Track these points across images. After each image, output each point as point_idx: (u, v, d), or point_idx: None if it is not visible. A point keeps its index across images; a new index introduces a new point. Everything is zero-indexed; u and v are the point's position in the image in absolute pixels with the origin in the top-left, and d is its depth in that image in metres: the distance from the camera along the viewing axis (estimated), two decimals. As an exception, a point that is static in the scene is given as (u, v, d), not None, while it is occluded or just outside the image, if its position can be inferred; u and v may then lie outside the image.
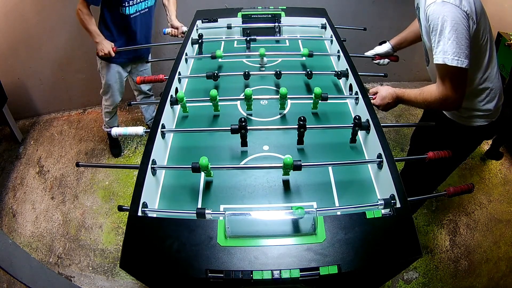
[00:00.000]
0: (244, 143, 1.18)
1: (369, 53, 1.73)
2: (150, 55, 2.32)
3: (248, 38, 1.74)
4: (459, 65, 1.07)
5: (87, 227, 2.17)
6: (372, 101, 1.33)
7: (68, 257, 2.02)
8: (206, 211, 0.90)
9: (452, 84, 1.11)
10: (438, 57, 1.09)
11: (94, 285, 1.89)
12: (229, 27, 1.87)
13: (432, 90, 1.18)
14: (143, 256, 0.84)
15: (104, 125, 2.50)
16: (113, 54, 1.94)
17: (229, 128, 1.13)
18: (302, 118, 1.12)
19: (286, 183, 1.09)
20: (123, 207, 0.96)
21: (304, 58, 1.70)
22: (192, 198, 1.05)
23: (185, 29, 2.07)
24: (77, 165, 1.15)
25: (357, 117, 1.15)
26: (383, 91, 1.33)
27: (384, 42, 1.71)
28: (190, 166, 1.01)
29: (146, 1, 1.98)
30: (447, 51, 1.06)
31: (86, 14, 1.85)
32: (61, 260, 2.01)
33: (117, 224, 2.17)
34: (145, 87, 2.41)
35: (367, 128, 1.16)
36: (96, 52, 2.02)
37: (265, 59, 1.63)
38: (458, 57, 1.06)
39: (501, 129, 2.32)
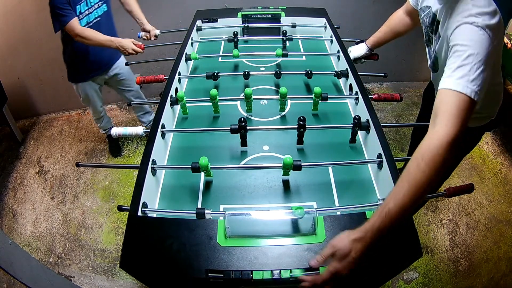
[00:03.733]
0: (244, 143, 1.18)
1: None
2: (121, 59, 2.16)
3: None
4: (475, 99, 0.85)
5: (87, 227, 2.17)
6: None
7: (68, 257, 2.02)
8: (206, 211, 0.90)
9: (466, 118, 0.84)
10: (459, 84, 0.85)
11: (94, 285, 1.89)
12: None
13: (433, 144, 0.80)
14: (143, 256, 0.84)
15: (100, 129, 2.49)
16: (140, 50, 1.85)
17: (229, 128, 1.13)
18: (301, 118, 1.12)
19: (286, 183, 1.09)
20: (123, 207, 0.97)
21: (304, 58, 1.71)
22: (192, 198, 1.06)
23: (157, 32, 2.04)
24: (77, 165, 1.16)
25: (357, 117, 1.15)
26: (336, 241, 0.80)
27: (362, 41, 1.62)
28: (190, 166, 1.01)
29: (96, 10, 1.87)
30: (472, 80, 0.85)
31: (81, 31, 1.75)
32: (61, 260, 2.01)
33: (117, 224, 2.17)
34: (133, 96, 2.32)
35: (367, 128, 1.16)
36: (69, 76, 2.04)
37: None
38: (480, 90, 0.86)
39: (499, 125, 2.33)
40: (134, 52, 1.84)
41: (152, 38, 2.06)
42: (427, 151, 0.79)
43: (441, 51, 1.13)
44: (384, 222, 0.76)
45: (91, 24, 1.86)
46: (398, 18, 1.50)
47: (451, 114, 0.82)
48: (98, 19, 1.89)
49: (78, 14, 1.77)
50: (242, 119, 1.11)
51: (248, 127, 1.13)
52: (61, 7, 1.69)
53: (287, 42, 1.76)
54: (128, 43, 1.82)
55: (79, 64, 2.00)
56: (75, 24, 1.74)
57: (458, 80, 0.85)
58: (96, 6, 1.86)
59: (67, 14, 1.71)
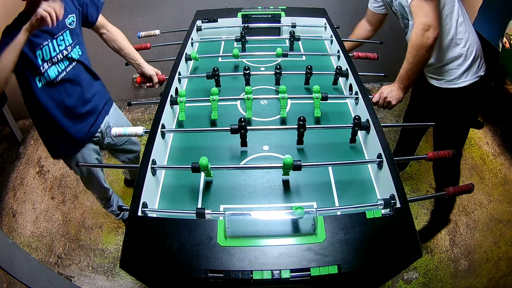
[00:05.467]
0: (244, 143, 1.18)
1: None
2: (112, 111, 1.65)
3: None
4: None
5: (87, 227, 2.17)
6: (374, 98, 1.40)
7: (68, 257, 2.02)
8: (206, 211, 0.90)
9: (426, 10, 1.22)
10: None
11: (94, 285, 1.89)
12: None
13: (412, 36, 1.27)
14: (143, 256, 0.84)
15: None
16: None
17: (229, 128, 1.13)
18: (301, 118, 1.12)
19: (286, 183, 1.09)
20: (123, 207, 0.97)
21: (304, 58, 1.70)
22: (192, 198, 1.05)
23: (157, 32, 1.79)
24: (77, 165, 1.16)
25: (357, 117, 1.15)
26: (384, 87, 1.43)
27: None
28: (190, 166, 1.01)
29: (69, 55, 1.35)
30: None
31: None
32: (61, 260, 2.01)
33: (117, 224, 2.17)
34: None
35: (367, 128, 1.16)
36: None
37: None
38: None
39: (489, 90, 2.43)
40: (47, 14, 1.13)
41: (156, 82, 1.64)
42: (409, 44, 1.28)
43: (400, 5, 1.41)
44: (403, 74, 1.36)
45: (63, 75, 1.34)
46: (359, 26, 1.80)
47: (415, 17, 1.24)
48: (73, 65, 1.38)
49: (41, 63, 1.26)
50: (242, 119, 1.11)
51: (248, 127, 1.13)
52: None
53: (294, 42, 1.76)
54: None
55: (63, 124, 1.41)
56: None
57: None
58: (69, 49, 1.35)
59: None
